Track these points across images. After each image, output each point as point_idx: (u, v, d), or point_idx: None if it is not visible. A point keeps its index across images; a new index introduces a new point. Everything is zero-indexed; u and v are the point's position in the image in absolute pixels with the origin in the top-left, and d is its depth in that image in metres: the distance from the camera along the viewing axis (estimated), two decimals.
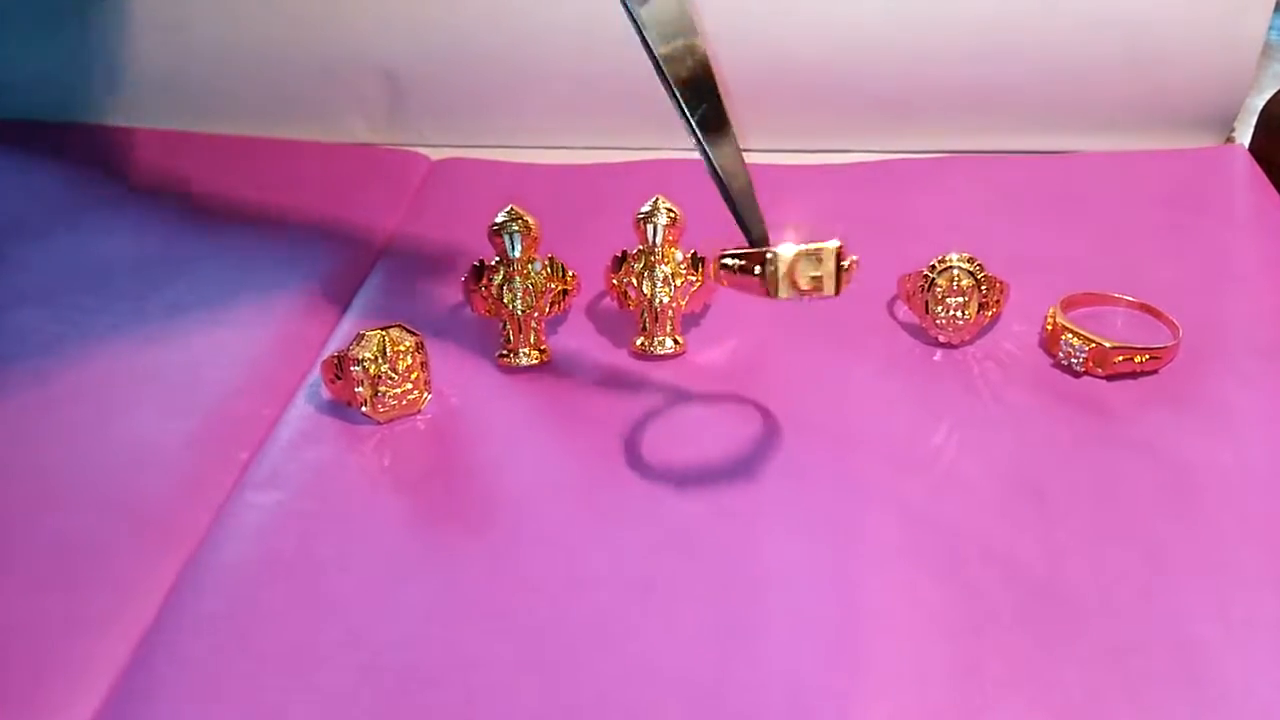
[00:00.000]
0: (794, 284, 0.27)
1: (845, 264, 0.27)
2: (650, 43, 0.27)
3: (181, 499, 0.31)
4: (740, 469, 0.31)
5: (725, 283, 0.32)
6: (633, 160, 0.49)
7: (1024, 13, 0.47)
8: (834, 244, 0.27)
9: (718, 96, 0.27)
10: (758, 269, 0.27)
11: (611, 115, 0.51)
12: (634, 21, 0.27)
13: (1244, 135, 0.49)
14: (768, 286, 0.27)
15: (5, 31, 0.53)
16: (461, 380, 0.35)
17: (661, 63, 0.27)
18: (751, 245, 0.28)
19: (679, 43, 0.27)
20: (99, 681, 0.26)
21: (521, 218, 0.36)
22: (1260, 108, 0.48)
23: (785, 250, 0.27)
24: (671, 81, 0.27)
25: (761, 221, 0.28)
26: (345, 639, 0.27)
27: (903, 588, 0.28)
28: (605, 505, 0.30)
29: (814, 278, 0.27)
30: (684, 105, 0.27)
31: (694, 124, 0.27)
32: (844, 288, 0.28)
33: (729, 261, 0.28)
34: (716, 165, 0.27)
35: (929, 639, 0.26)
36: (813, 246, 0.27)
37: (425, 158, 0.50)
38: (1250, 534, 0.29)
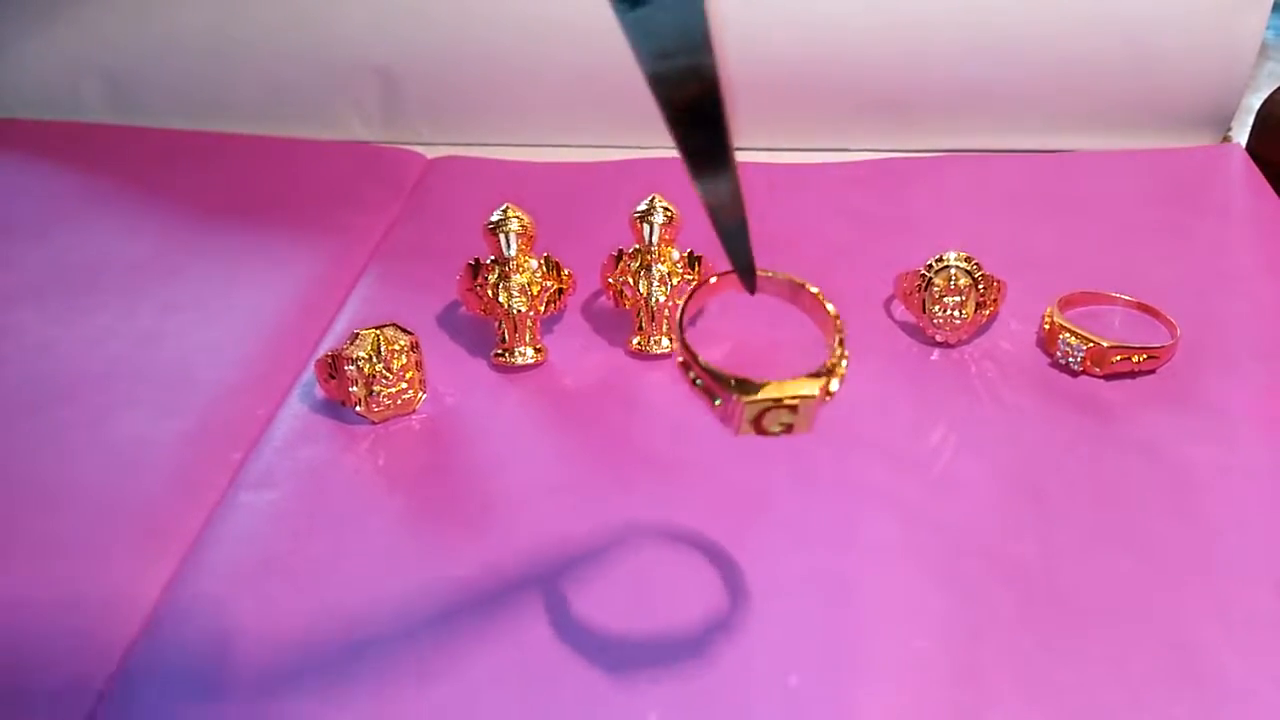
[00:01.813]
0: (760, 428, 0.23)
1: (833, 388, 0.23)
2: (639, 57, 0.21)
3: (176, 498, 0.31)
4: (737, 469, 0.31)
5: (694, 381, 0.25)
6: (629, 159, 0.49)
7: (1022, 12, 0.47)
8: (812, 389, 0.22)
9: (722, 128, 0.22)
10: (716, 401, 0.23)
11: (608, 114, 0.51)
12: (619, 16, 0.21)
13: (1241, 134, 0.49)
14: (724, 421, 0.23)
15: (2, 30, 0.52)
16: (457, 379, 0.35)
17: (649, 82, 0.21)
18: (738, 273, 0.24)
19: (679, 61, 0.21)
20: (93, 680, 0.26)
21: (517, 216, 0.35)
22: (1257, 107, 0.48)
23: (750, 398, 0.22)
24: (661, 105, 0.21)
25: (750, 254, 0.23)
26: (340, 638, 0.27)
27: (901, 587, 0.28)
28: (601, 505, 0.30)
29: (783, 424, 0.23)
30: (675, 132, 0.22)
31: (684, 154, 0.22)
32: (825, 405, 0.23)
33: (691, 374, 0.23)
34: (706, 199, 0.22)
35: (927, 639, 0.26)
36: (787, 395, 0.22)
37: (421, 156, 0.50)
38: (1248, 533, 0.29)
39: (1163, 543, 0.29)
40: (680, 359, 0.24)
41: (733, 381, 0.23)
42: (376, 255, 0.43)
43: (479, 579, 0.28)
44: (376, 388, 0.32)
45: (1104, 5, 0.47)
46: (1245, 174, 0.46)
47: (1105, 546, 0.29)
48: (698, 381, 0.23)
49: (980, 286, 0.35)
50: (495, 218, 0.36)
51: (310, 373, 0.35)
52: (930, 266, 0.35)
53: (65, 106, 0.53)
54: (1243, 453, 0.31)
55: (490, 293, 0.35)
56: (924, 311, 0.35)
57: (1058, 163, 0.48)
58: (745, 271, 0.24)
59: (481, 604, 0.28)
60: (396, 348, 0.33)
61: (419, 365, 0.33)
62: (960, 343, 0.36)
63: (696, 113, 0.21)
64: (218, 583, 0.28)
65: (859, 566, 0.28)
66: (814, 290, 0.25)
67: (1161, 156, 0.48)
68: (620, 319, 0.38)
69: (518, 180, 0.48)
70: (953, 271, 0.35)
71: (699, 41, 0.20)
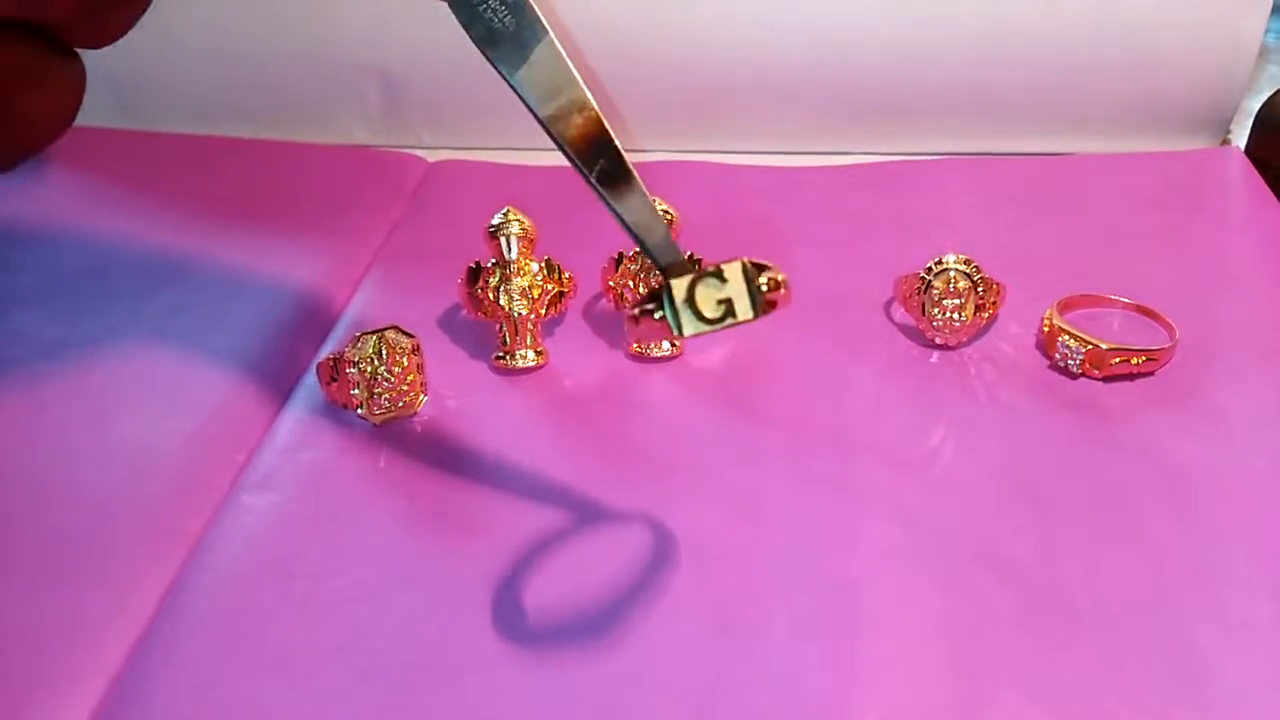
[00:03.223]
0: (699, 314, 0.23)
1: (764, 281, 0.24)
2: (530, 105, 0.25)
3: (178, 500, 0.31)
4: (737, 471, 0.31)
5: (637, 340, 0.30)
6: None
7: (1021, 14, 0.47)
8: (737, 262, 0.24)
9: (615, 148, 0.25)
10: (658, 314, 0.24)
11: (607, 117, 0.51)
12: (509, 83, 0.25)
13: (1240, 137, 0.49)
14: (671, 324, 0.24)
15: None
16: (458, 382, 0.35)
17: (546, 124, 0.25)
18: (663, 272, 0.25)
19: (562, 99, 0.25)
20: (95, 682, 0.26)
21: (518, 219, 0.36)
22: (1256, 110, 0.48)
23: (679, 279, 0.24)
24: (560, 142, 0.25)
25: (678, 250, 0.25)
26: (341, 641, 0.27)
27: (900, 589, 0.28)
28: (602, 507, 0.30)
29: (721, 302, 0.23)
30: (579, 164, 0.25)
31: (594, 182, 0.25)
32: (769, 311, 0.24)
33: (634, 313, 0.24)
34: (628, 221, 0.25)
35: (926, 640, 0.26)
36: (712, 267, 0.24)
37: (422, 159, 0.50)
38: (1247, 536, 0.29)
39: (1161, 545, 0.29)
40: (629, 317, 0.25)
41: (672, 272, 0.24)
42: (378, 258, 0.43)
43: (480, 580, 0.28)
44: (378, 390, 0.33)
45: (1103, 8, 0.47)
46: (1244, 177, 0.46)
47: (1104, 548, 0.29)
48: (641, 317, 0.24)
49: (979, 289, 0.35)
50: (496, 221, 0.36)
51: (312, 375, 0.35)
52: (930, 269, 0.35)
53: None
54: (1241, 455, 0.31)
55: (491, 296, 0.35)
56: (923, 314, 0.36)
57: (1056, 166, 0.48)
58: (672, 260, 0.25)
59: (482, 605, 0.28)
60: (398, 350, 0.33)
61: (420, 368, 0.34)
62: (959, 345, 0.36)
63: (592, 141, 0.25)
64: (220, 584, 0.28)
65: (858, 568, 0.28)
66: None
67: (1160, 159, 0.48)
68: (621, 322, 0.38)
69: (519, 183, 0.48)
70: (952, 274, 0.35)
71: (571, 80, 0.25)
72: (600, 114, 0.25)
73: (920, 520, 0.30)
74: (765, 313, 0.24)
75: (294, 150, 0.51)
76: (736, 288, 0.23)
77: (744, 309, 0.24)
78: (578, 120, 0.25)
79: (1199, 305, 0.37)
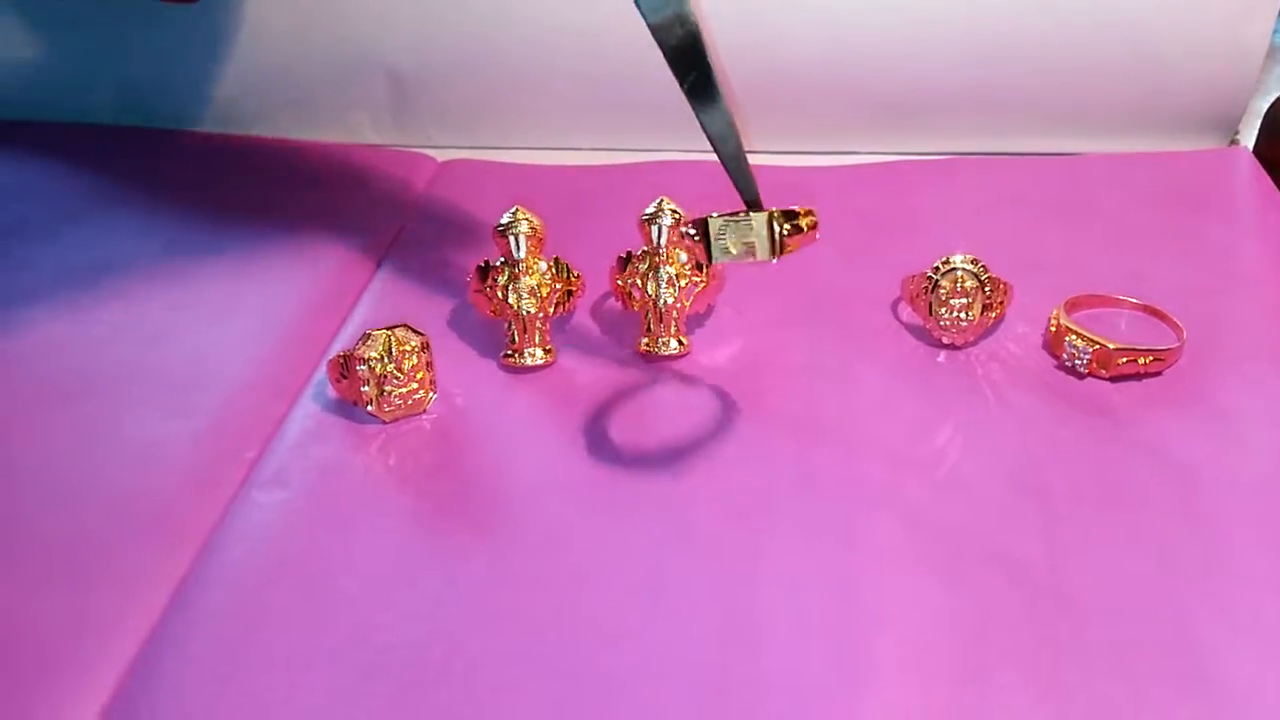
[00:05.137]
0: (726, 249, 0.30)
1: (784, 229, 0.29)
2: (643, 11, 0.29)
3: (188, 497, 0.31)
4: (745, 470, 0.32)
5: (685, 247, 0.35)
6: (638, 161, 0.49)
7: (1028, 15, 0.47)
8: (765, 212, 0.29)
9: (707, 64, 0.29)
10: (697, 237, 0.30)
11: (617, 116, 0.51)
12: None
13: (1248, 138, 0.49)
14: (704, 250, 0.30)
15: (6, 32, 0.53)
16: (467, 380, 0.36)
17: (653, 32, 0.29)
18: (746, 205, 0.30)
19: (669, 12, 0.29)
20: (106, 678, 0.26)
21: (527, 219, 0.36)
22: (1265, 110, 0.48)
23: (716, 218, 0.30)
24: (663, 50, 0.29)
25: (753, 183, 0.30)
26: (351, 637, 0.27)
27: (906, 588, 0.28)
28: (610, 505, 0.31)
29: (746, 243, 0.30)
30: (675, 73, 0.29)
31: (685, 90, 0.29)
32: (788, 252, 0.30)
33: (685, 229, 0.30)
34: (707, 130, 0.29)
35: (932, 640, 0.26)
36: (743, 215, 0.30)
37: (431, 159, 0.51)
38: (1254, 535, 0.29)
39: (1168, 544, 0.29)
40: (682, 231, 0.31)
41: (757, 206, 0.30)
42: (388, 257, 0.43)
43: (488, 576, 0.29)
44: (388, 388, 0.33)
45: (1111, 8, 0.47)
46: (1252, 177, 0.46)
47: (1111, 548, 0.29)
48: (689, 237, 0.30)
49: (986, 289, 0.35)
50: (505, 220, 0.36)
51: (322, 373, 0.36)
52: (937, 269, 0.35)
53: (72, 108, 0.54)
54: (1248, 455, 0.32)
55: (500, 294, 0.35)
56: (930, 314, 0.36)
57: (1064, 165, 0.48)
58: (750, 197, 0.30)
59: (491, 601, 0.28)
60: (408, 348, 0.33)
61: (430, 366, 0.34)
62: (966, 345, 0.36)
63: (686, 52, 0.29)
64: (230, 580, 0.29)
65: (865, 567, 0.28)
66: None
67: (1168, 160, 0.48)
68: (629, 321, 0.38)
69: (527, 183, 0.48)
70: (959, 274, 0.35)
71: None
72: (699, 29, 0.29)
73: (927, 519, 0.30)
74: (783, 254, 0.30)
75: (304, 149, 0.51)
76: (760, 233, 0.30)
77: (763, 251, 0.30)
78: (679, 31, 0.29)
79: (1206, 305, 0.37)
